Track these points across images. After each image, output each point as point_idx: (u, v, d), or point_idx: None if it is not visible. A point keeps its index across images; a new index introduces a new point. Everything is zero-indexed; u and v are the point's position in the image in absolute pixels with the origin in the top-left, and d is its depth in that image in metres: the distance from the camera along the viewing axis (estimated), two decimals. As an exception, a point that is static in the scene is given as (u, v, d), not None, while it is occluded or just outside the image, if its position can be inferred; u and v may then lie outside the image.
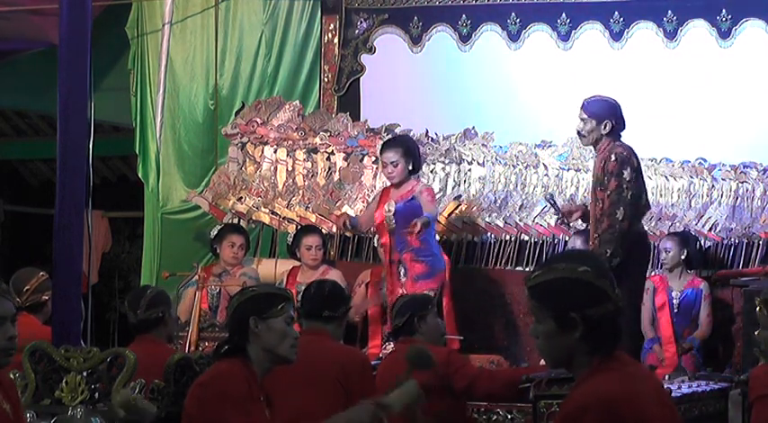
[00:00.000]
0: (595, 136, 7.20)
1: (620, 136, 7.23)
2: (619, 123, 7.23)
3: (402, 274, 8.17)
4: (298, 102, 9.78)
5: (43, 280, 6.59)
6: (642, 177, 7.33)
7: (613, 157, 7.10)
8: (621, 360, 3.20)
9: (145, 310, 5.88)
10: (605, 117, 7.18)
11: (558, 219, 7.76)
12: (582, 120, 7.23)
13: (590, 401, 3.11)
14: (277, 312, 4.32)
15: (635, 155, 7.20)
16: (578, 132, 7.29)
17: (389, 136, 9.08)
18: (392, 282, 8.20)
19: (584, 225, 8.55)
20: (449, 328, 8.00)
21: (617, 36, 9.20)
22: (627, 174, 7.10)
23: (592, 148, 7.42)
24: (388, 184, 8.43)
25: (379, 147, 8.60)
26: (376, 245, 8.64)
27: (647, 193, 7.38)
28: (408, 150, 8.33)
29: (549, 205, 7.86)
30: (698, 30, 9.03)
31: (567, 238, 8.69)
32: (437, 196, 9.23)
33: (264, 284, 4.64)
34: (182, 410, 4.39)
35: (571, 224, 7.99)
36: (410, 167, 8.28)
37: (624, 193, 7.07)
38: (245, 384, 4.22)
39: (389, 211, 8.18)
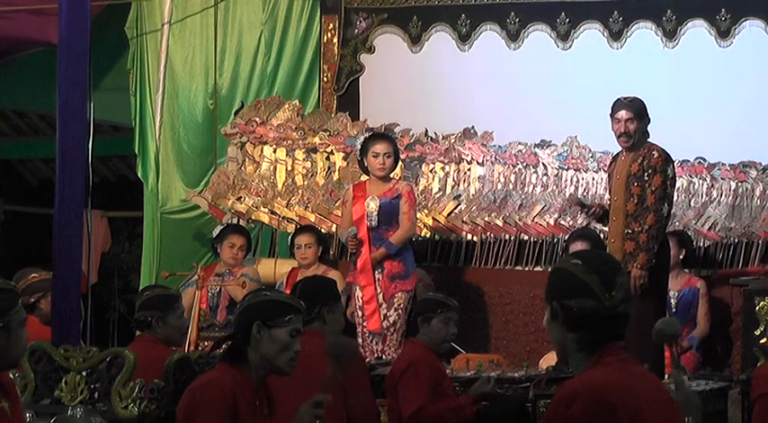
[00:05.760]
0: (639, 135, 7.20)
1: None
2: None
3: (378, 271, 8.09)
4: (297, 101, 9.78)
5: (33, 281, 6.58)
6: (676, 179, 7.35)
7: (656, 153, 7.11)
8: (620, 357, 3.22)
9: (137, 310, 5.92)
10: (646, 114, 7.22)
11: (589, 214, 7.69)
12: (626, 120, 7.20)
13: (580, 389, 3.14)
14: (283, 323, 4.24)
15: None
16: (626, 133, 7.21)
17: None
18: (366, 278, 8.06)
19: (585, 223, 8.58)
20: None
21: (616, 35, 9.21)
22: (670, 170, 7.13)
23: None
24: (362, 178, 8.39)
25: (363, 138, 8.47)
26: (342, 240, 8.40)
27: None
28: (397, 148, 8.33)
29: (580, 206, 7.83)
30: (697, 29, 9.04)
31: (565, 239, 8.69)
32: (436, 196, 9.24)
33: (279, 292, 4.56)
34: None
35: (588, 219, 7.94)
36: (394, 165, 8.25)
37: (668, 189, 7.10)
38: (234, 393, 4.17)
39: (372, 206, 8.10)
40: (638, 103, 7.28)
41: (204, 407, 4.14)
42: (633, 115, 7.20)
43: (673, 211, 8.68)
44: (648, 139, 7.30)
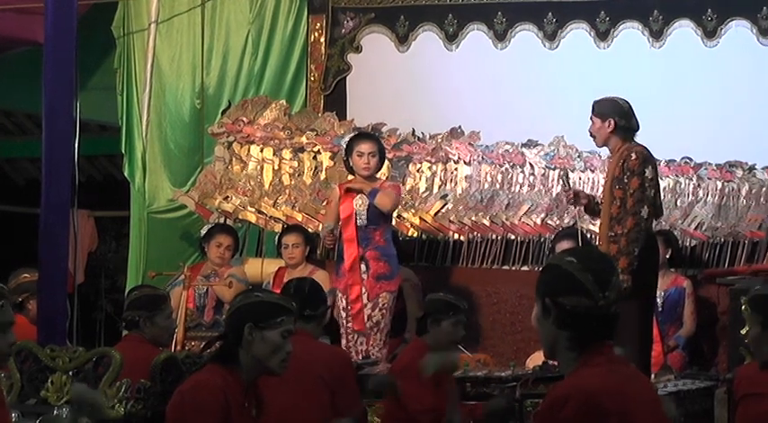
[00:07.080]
0: (603, 135, 7.18)
1: (634, 136, 7.23)
2: (629, 122, 7.20)
3: (363, 270, 8.09)
4: (284, 101, 9.77)
5: (23, 282, 6.58)
6: (658, 179, 7.32)
7: (634, 155, 7.08)
8: (609, 357, 3.22)
9: (125, 310, 5.93)
10: (608, 115, 7.17)
11: (565, 192, 7.68)
12: (591, 120, 7.23)
13: (571, 392, 3.15)
14: (275, 324, 4.22)
15: (652, 155, 7.21)
16: (589, 133, 7.27)
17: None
18: (353, 277, 8.06)
19: (572, 223, 8.58)
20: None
21: (603, 35, 9.23)
22: (648, 172, 7.10)
23: (588, 149, 7.42)
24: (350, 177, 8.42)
25: (348, 138, 8.48)
26: (321, 235, 8.36)
27: (660, 197, 7.35)
28: (382, 148, 8.33)
29: (563, 181, 7.82)
30: (684, 29, 9.07)
31: (551, 238, 8.70)
32: (423, 196, 9.24)
33: (270, 293, 4.54)
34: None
35: (573, 206, 7.92)
36: (380, 164, 8.27)
37: (647, 191, 7.08)
38: (225, 394, 4.16)
39: (362, 204, 8.10)
40: (606, 102, 7.25)
41: (195, 409, 4.12)
42: (594, 114, 7.22)
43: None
44: (635, 140, 7.28)
